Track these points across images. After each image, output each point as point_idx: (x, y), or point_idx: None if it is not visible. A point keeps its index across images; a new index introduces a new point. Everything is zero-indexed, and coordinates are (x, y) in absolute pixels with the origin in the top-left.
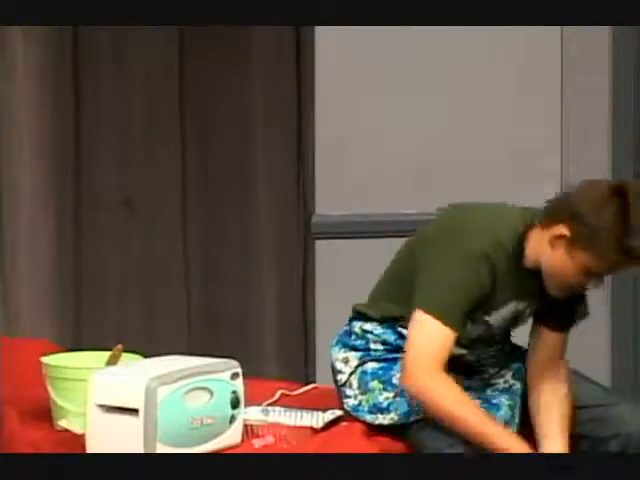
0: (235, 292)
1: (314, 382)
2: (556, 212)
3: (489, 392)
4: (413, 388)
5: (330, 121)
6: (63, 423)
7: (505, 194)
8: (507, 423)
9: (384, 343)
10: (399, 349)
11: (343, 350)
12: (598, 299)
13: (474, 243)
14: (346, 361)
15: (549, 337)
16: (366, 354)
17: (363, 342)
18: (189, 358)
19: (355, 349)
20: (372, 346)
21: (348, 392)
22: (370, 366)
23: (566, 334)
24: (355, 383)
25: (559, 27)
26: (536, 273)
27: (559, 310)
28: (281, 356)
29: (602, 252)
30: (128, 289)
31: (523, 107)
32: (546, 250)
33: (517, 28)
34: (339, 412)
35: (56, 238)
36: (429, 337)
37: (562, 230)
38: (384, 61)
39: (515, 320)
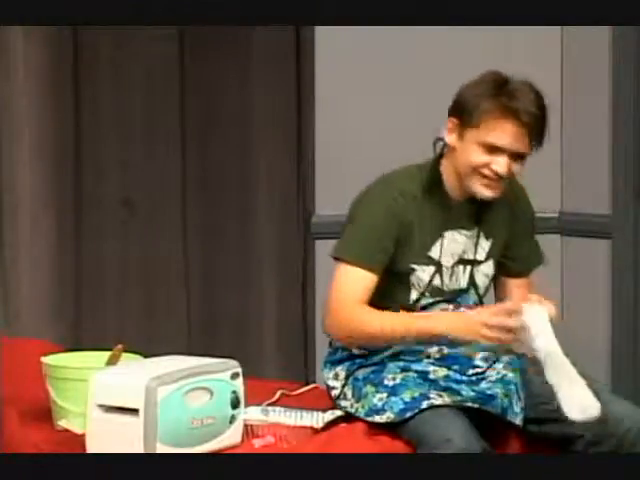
0: (235, 292)
1: (314, 382)
2: (448, 114)
3: (483, 385)
4: (339, 336)
5: (330, 121)
6: (63, 423)
7: None
8: (504, 412)
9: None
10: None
11: (332, 368)
12: (598, 298)
13: (375, 193)
14: (336, 376)
15: (511, 284)
16: (352, 363)
17: (346, 352)
18: (189, 358)
19: (341, 361)
20: (355, 352)
21: (343, 403)
22: (361, 372)
23: (528, 278)
24: (349, 392)
25: (559, 27)
26: (471, 199)
27: (516, 255)
28: (281, 356)
29: (482, 115)
30: (128, 289)
31: None
32: (452, 155)
33: (517, 28)
34: (339, 412)
35: (56, 238)
36: (343, 284)
37: (452, 120)
38: (384, 61)
39: (470, 262)
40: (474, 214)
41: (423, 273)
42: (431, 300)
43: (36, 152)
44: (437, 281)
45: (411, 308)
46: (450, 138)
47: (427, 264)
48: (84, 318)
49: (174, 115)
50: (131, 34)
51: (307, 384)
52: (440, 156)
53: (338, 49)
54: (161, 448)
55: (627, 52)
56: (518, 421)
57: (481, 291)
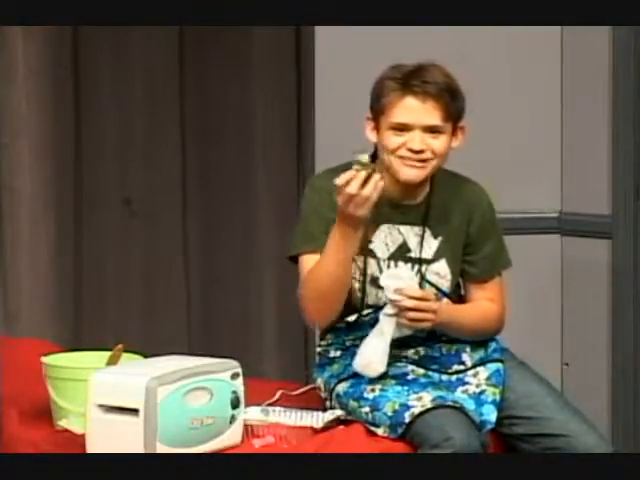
0: (235, 292)
1: (314, 382)
2: (366, 117)
3: (458, 394)
4: (311, 310)
5: (330, 121)
6: (63, 423)
7: (504, 194)
8: (482, 425)
9: (340, 348)
10: (353, 347)
11: (317, 377)
12: (598, 299)
13: (308, 185)
14: (320, 387)
15: (473, 289)
16: (330, 375)
17: (325, 358)
18: (189, 358)
19: (321, 368)
20: (332, 354)
21: (337, 413)
22: (341, 387)
23: (492, 282)
24: (337, 406)
25: (559, 27)
26: (418, 198)
27: (473, 259)
28: (281, 356)
29: (385, 98)
30: (128, 289)
31: (523, 107)
32: (380, 153)
33: (517, 28)
34: (339, 412)
35: (56, 238)
36: (301, 274)
37: (368, 119)
38: (384, 61)
39: (417, 260)
40: (421, 213)
41: (360, 262)
42: (374, 292)
43: (36, 152)
44: (375, 272)
45: (358, 304)
46: (371, 136)
47: (364, 254)
48: (84, 318)
49: (174, 115)
50: (131, 34)
51: (307, 384)
52: (375, 156)
53: (338, 49)
54: (161, 448)
55: (627, 52)
56: (489, 426)
57: (444, 291)
